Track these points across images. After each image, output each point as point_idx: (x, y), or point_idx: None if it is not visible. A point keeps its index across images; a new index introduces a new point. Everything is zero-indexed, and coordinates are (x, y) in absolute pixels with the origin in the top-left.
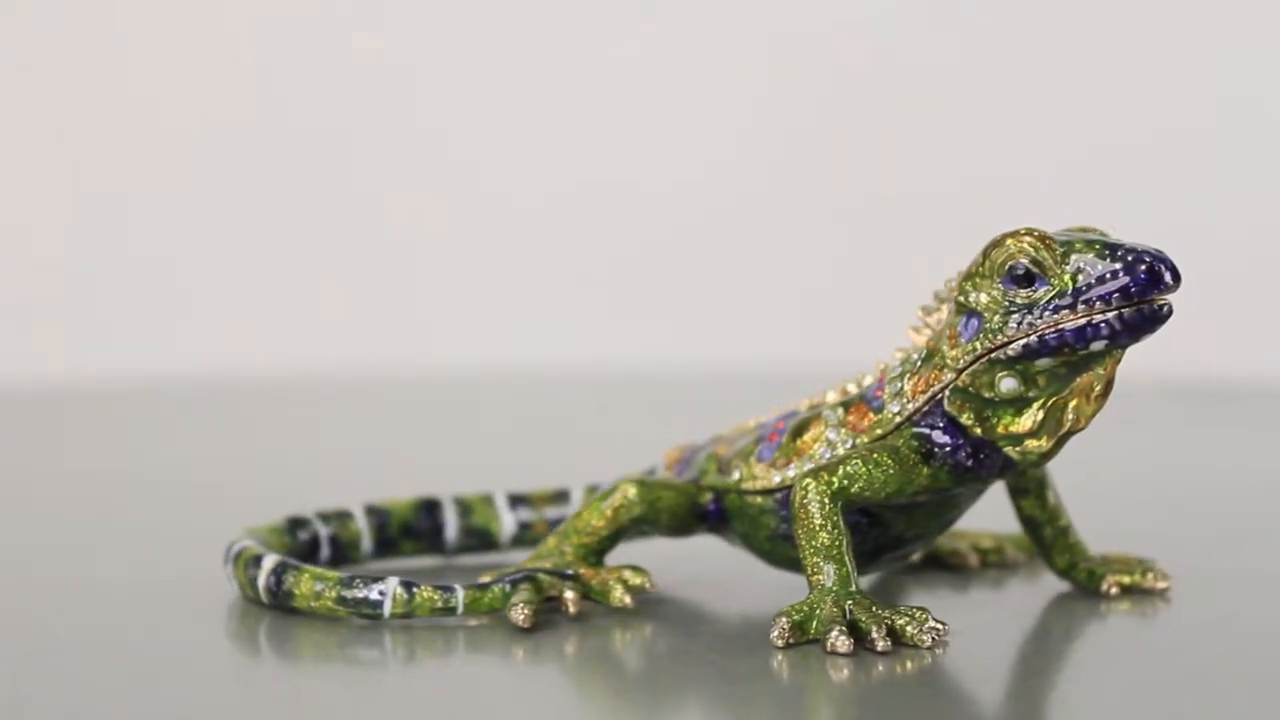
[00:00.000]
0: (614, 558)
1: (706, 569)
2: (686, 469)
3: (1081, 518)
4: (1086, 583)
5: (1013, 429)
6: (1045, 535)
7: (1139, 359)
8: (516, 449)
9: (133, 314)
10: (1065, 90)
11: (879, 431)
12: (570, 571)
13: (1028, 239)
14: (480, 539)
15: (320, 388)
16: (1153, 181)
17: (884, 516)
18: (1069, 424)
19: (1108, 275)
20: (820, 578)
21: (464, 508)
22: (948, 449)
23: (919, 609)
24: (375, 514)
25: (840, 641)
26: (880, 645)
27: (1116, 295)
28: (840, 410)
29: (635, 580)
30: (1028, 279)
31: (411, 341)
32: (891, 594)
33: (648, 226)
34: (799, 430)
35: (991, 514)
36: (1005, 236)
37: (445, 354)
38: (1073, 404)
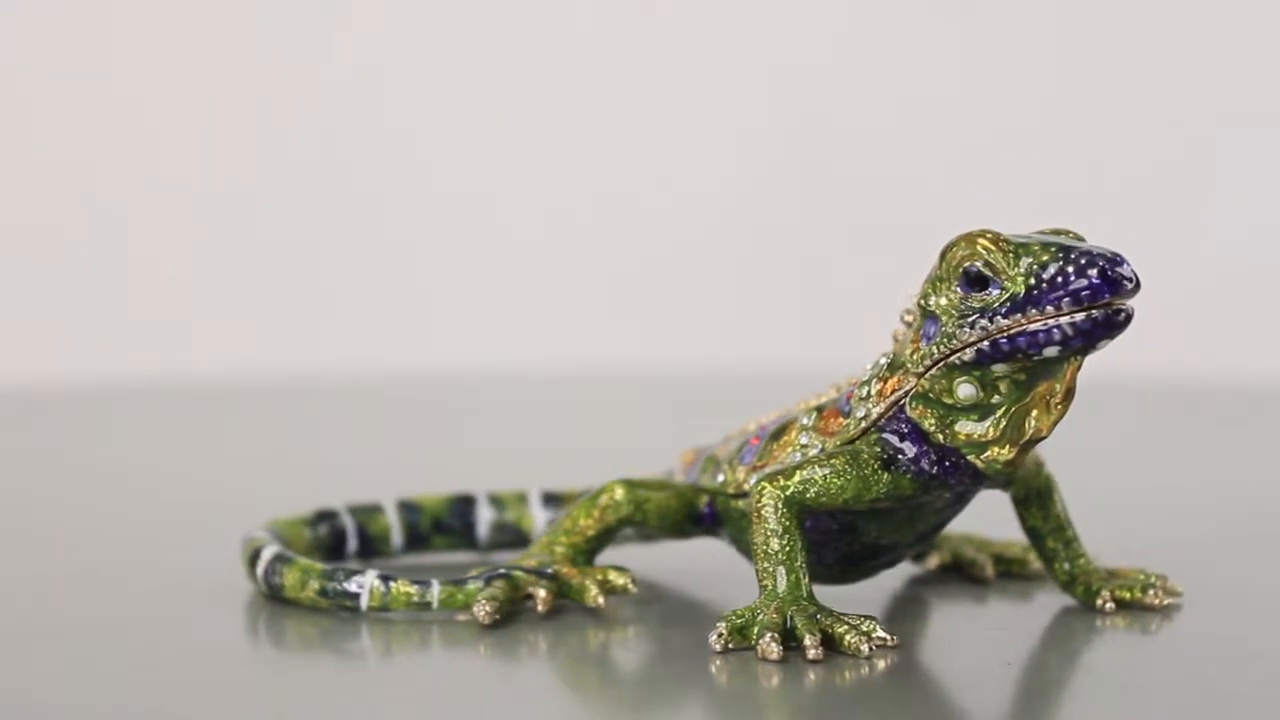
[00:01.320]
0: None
1: (707, 570)
2: (694, 470)
3: (1087, 527)
4: (1084, 597)
5: (975, 436)
6: (1047, 547)
7: (1143, 361)
8: (552, 450)
9: (140, 316)
10: (1058, 95)
11: (845, 436)
12: (549, 570)
13: (980, 241)
14: (513, 535)
15: (329, 388)
16: (1149, 183)
17: (855, 524)
18: (1030, 432)
19: (1059, 279)
20: (769, 583)
21: (497, 504)
22: (911, 456)
23: (866, 618)
24: (407, 509)
25: (770, 648)
26: (812, 653)
27: (1068, 300)
28: (814, 414)
29: (618, 581)
30: (981, 282)
31: (422, 345)
32: (903, 602)
33: (650, 229)
34: (778, 434)
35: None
36: (960, 238)
37: (456, 357)
38: (1034, 411)
